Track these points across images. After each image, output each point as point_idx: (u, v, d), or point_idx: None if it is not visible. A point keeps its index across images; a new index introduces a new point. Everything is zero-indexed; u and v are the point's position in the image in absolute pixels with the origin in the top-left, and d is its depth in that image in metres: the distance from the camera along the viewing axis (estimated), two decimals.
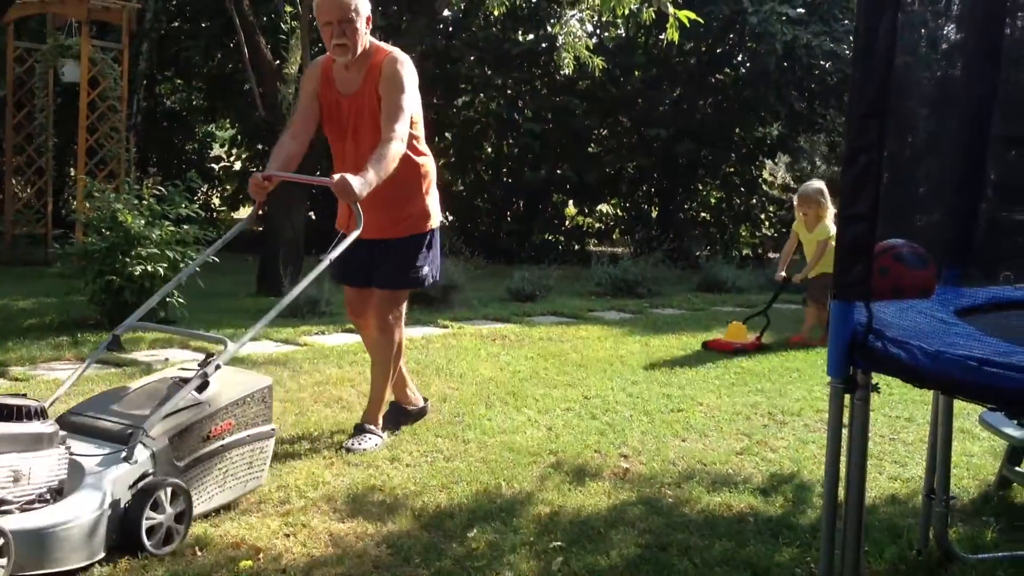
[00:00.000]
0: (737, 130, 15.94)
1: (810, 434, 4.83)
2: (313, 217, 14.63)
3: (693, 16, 6.87)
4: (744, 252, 16.24)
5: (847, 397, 2.49)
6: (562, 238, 16.61)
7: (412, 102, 4.18)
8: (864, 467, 2.50)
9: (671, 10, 6.97)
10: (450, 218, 16.14)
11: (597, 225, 17.51)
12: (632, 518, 3.58)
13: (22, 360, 5.84)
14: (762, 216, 17.09)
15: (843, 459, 2.53)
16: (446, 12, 14.20)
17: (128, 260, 6.88)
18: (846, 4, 14.43)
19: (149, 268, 6.88)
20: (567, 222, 17.16)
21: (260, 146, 15.81)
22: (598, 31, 15.64)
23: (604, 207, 17.59)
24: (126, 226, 6.96)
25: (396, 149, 4.03)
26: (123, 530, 3.00)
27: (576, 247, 16.38)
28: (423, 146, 4.41)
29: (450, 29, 15.59)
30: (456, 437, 4.53)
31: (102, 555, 2.94)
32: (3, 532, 2.63)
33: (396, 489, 3.80)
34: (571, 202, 17.06)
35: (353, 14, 4.10)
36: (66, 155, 14.02)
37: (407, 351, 5.12)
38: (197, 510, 3.31)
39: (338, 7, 4.09)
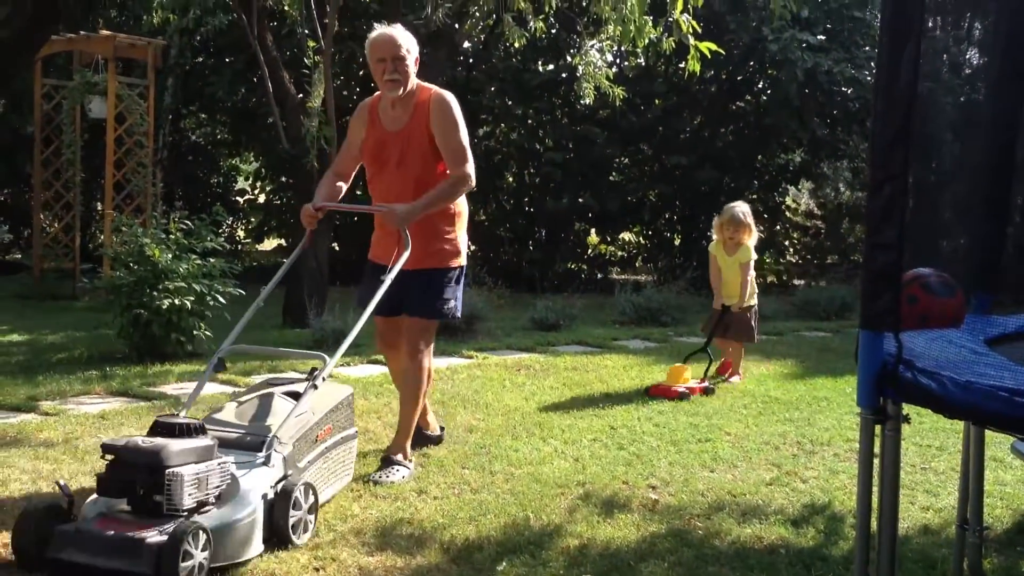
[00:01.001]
0: (759, 157, 15.92)
1: (840, 464, 4.79)
2: (337, 248, 14.73)
3: (714, 47, 6.90)
4: (768, 279, 16.18)
5: (877, 428, 2.48)
6: (585, 267, 16.61)
7: (466, 139, 4.46)
8: (896, 498, 2.48)
9: (692, 41, 6.99)
10: (472, 248, 16.18)
11: (620, 253, 17.50)
12: (662, 551, 3.56)
13: (52, 394, 5.89)
14: (786, 243, 17.02)
15: (875, 489, 2.51)
16: (466, 44, 14.33)
17: (156, 294, 6.93)
18: (866, 31, 14.44)
19: (176, 302, 6.94)
20: (589, 251, 17.16)
21: (284, 179, 15.93)
22: (618, 60, 15.70)
23: (626, 235, 17.58)
24: (153, 260, 7.03)
25: (457, 185, 4.40)
26: (272, 526, 3.46)
27: (599, 276, 16.36)
28: None
29: (471, 61, 15.70)
30: (483, 468, 4.53)
31: (261, 549, 3.40)
32: (206, 529, 3.12)
33: (424, 522, 3.80)
34: (593, 230, 17.07)
35: (405, 52, 4.36)
36: (93, 190, 14.18)
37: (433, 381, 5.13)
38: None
39: (392, 44, 4.36)
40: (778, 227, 16.74)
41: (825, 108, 14.87)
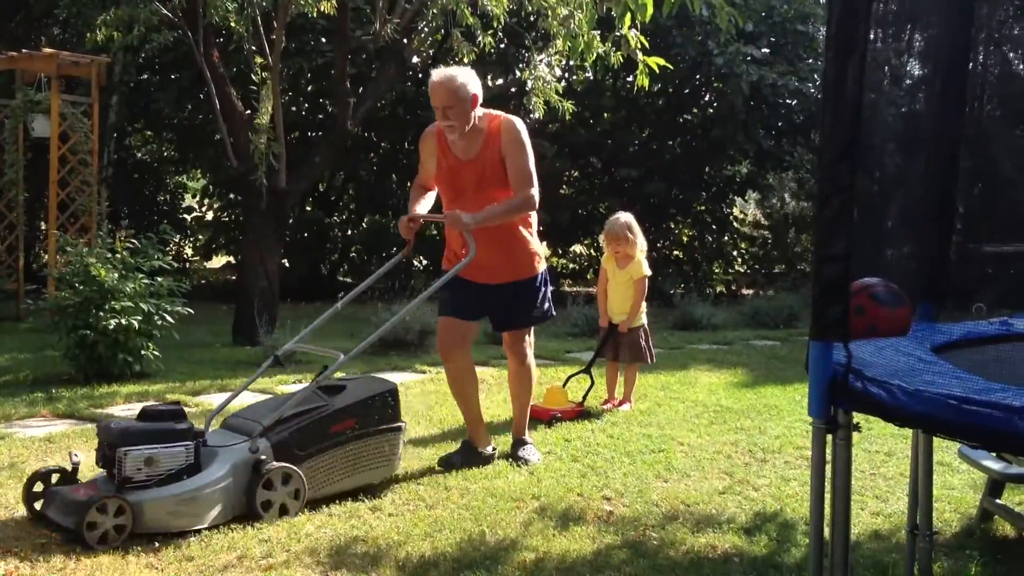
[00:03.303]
0: (707, 169, 16.09)
1: (791, 471, 4.84)
2: (288, 265, 14.61)
3: (662, 62, 6.95)
4: (718, 289, 16.34)
5: (829, 437, 2.50)
6: None
7: (532, 163, 4.70)
8: (848, 506, 2.51)
9: (640, 57, 7.05)
10: (424, 262, 16.16)
11: (571, 266, 17.57)
12: (618, 562, 3.57)
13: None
14: (734, 253, 17.22)
15: (826, 497, 2.53)
16: (415, 59, 14.31)
17: (102, 314, 6.82)
18: (809, 44, 14.68)
19: (123, 322, 6.83)
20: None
21: (232, 195, 15.79)
22: (567, 75, 15.79)
23: (577, 247, 17.66)
24: (99, 280, 6.91)
25: (522, 206, 4.68)
26: (243, 502, 3.92)
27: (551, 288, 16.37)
28: None
29: (420, 76, 15.69)
30: (438, 484, 4.51)
31: (227, 518, 3.86)
32: (125, 502, 3.64)
33: (379, 539, 3.77)
34: (544, 243, 17.12)
35: (456, 101, 4.57)
36: (37, 209, 13.92)
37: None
38: (326, 491, 4.20)
39: (439, 95, 4.58)
40: (726, 237, 16.95)
41: (770, 120, 15.08)
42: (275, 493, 3.99)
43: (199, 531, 3.82)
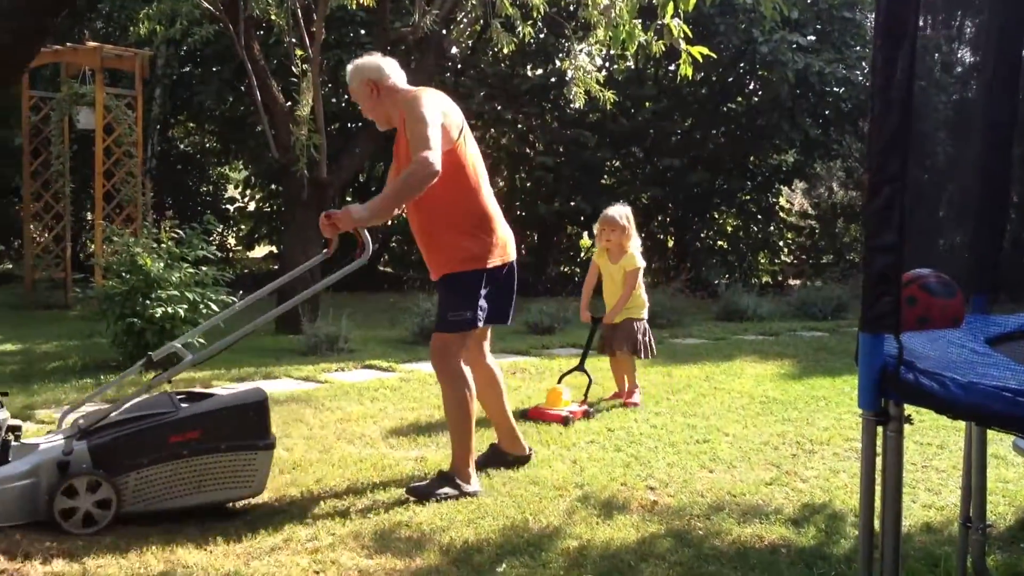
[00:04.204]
0: (751, 158, 15.95)
1: (840, 463, 4.77)
2: (329, 255, 14.68)
3: (706, 51, 6.86)
4: (764, 279, 16.19)
5: (879, 429, 2.46)
6: (578, 269, 16.59)
7: (431, 124, 3.97)
8: (899, 498, 2.46)
9: (683, 46, 6.96)
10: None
11: None
12: (662, 551, 3.53)
13: (48, 403, 5.84)
14: (780, 243, 17.03)
15: (877, 489, 2.49)
16: (454, 50, 14.31)
17: (148, 302, 6.90)
18: (856, 31, 14.48)
19: (169, 310, 6.91)
20: (583, 253, 17.14)
21: (273, 186, 15.90)
22: (607, 64, 15.71)
23: None
24: (145, 269, 6.99)
25: (412, 176, 3.90)
26: (41, 507, 3.58)
27: None
28: (472, 186, 4.23)
29: (459, 66, 15.70)
30: (481, 471, 4.49)
31: (22, 520, 3.56)
32: None
33: (423, 524, 3.77)
34: (585, 233, 17.05)
35: (356, 92, 4.25)
36: (83, 200, 14.14)
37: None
38: (162, 505, 3.76)
39: (350, 89, 4.28)
40: (772, 227, 16.76)
41: (817, 109, 14.92)
42: (79, 501, 3.61)
43: (247, 514, 3.85)
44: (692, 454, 4.92)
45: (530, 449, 4.73)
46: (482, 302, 4.21)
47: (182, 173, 17.17)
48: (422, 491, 4.10)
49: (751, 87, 16.00)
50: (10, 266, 14.33)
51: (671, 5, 5.63)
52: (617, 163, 16.50)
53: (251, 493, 3.95)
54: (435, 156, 3.89)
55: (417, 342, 8.59)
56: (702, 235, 16.61)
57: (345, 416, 5.67)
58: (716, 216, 16.68)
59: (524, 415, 5.63)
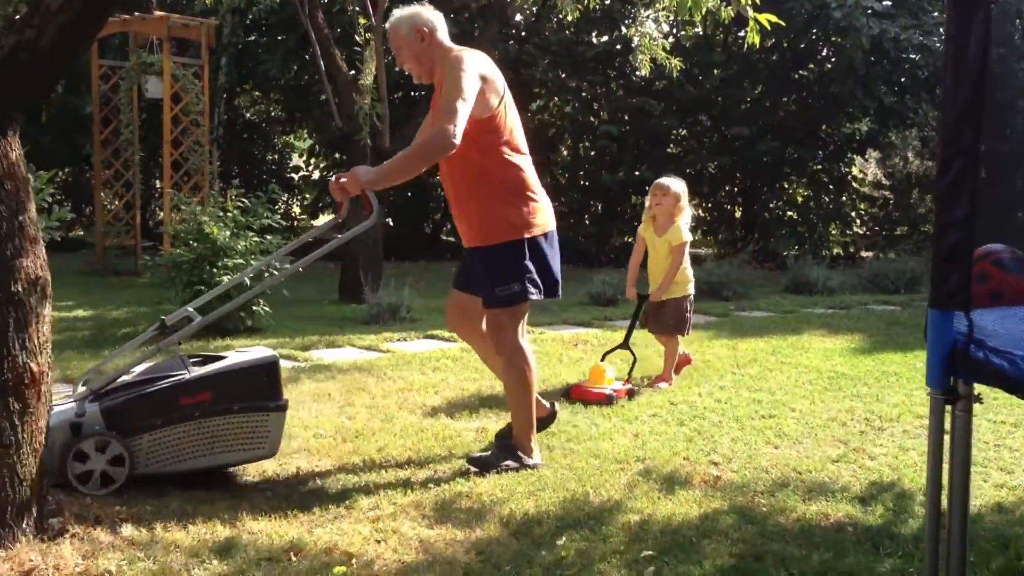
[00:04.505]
0: (823, 126, 15.61)
1: (910, 440, 4.67)
2: (391, 224, 14.76)
3: (774, 19, 6.69)
4: (835, 251, 15.88)
5: (948, 408, 2.39)
6: None
7: (464, 96, 3.85)
8: (968, 478, 2.39)
9: (751, 13, 6.80)
10: None
11: None
12: (725, 527, 3.48)
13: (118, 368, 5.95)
14: (852, 214, 16.65)
15: (945, 468, 2.42)
16: (518, 17, 14.19)
17: (215, 270, 6.99)
18: None
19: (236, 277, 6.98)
20: None
21: (338, 155, 15.99)
22: (674, 30, 15.47)
23: None
24: (212, 237, 7.08)
25: (427, 147, 3.88)
26: (55, 468, 3.52)
27: None
28: (511, 154, 4.11)
29: (523, 34, 15.58)
30: (542, 444, 4.46)
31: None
32: None
33: (483, 495, 3.76)
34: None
35: (399, 41, 4.11)
36: (152, 168, 14.35)
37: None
38: (175, 467, 3.77)
39: (390, 38, 4.17)
40: (844, 198, 16.39)
41: (892, 76, 14.52)
42: (92, 463, 3.62)
43: (309, 482, 3.88)
44: (757, 429, 4.85)
45: (553, 404, 4.64)
46: (532, 274, 4.08)
47: (248, 142, 17.33)
48: (483, 462, 4.09)
49: (824, 54, 15.62)
50: (82, 233, 14.63)
51: None
52: (684, 132, 16.26)
53: (264, 455, 3.97)
54: (457, 131, 3.79)
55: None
56: (771, 205, 16.33)
57: (407, 385, 5.69)
58: (786, 186, 16.37)
59: (566, 394, 5.43)
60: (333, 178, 3.98)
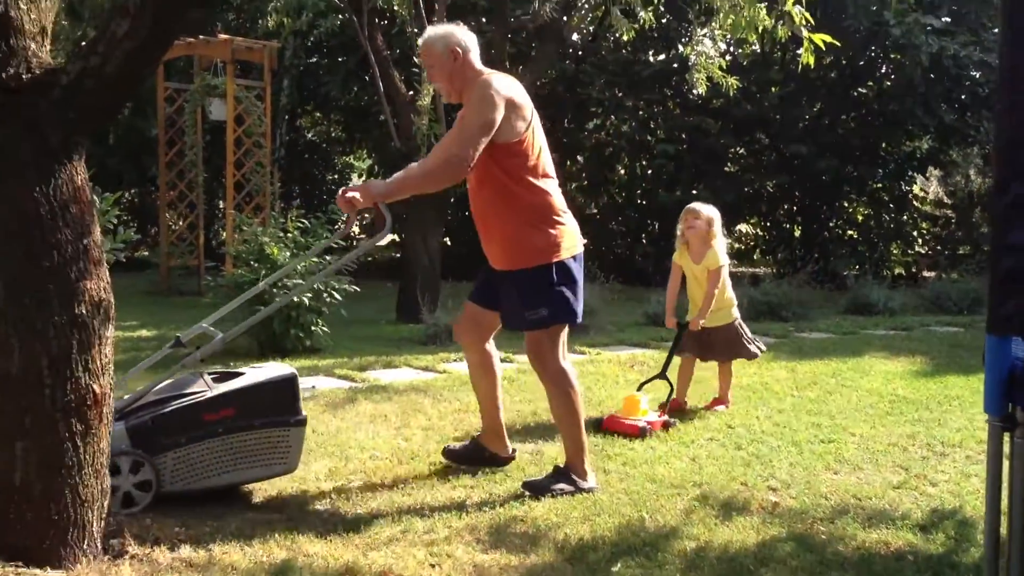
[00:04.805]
0: (883, 144, 15.41)
1: (972, 466, 4.57)
2: (449, 244, 14.84)
3: (828, 39, 6.62)
4: (896, 271, 15.62)
5: (1006, 436, 2.34)
6: None
7: (482, 121, 3.89)
8: None
9: (805, 34, 6.75)
10: (585, 241, 16.10)
11: (736, 246, 17.18)
12: (783, 555, 3.43)
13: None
14: (914, 233, 16.39)
15: (1005, 495, 2.37)
16: (574, 37, 14.23)
17: (275, 290, 7.07)
18: (993, 13, 13.82)
19: (295, 298, 7.07)
20: None
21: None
22: (732, 48, 15.39)
23: (743, 227, 17.24)
24: (272, 258, 7.18)
25: (438, 166, 3.91)
26: None
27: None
28: (539, 179, 4.10)
29: (579, 53, 15.61)
30: (597, 467, 4.45)
31: None
32: None
33: (538, 520, 3.75)
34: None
35: (433, 57, 4.09)
36: (215, 189, 14.62)
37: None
38: (200, 485, 3.80)
39: (423, 52, 4.16)
40: (905, 217, 16.14)
41: (953, 93, 14.30)
42: (119, 480, 3.62)
43: (365, 504, 3.90)
44: (816, 454, 4.78)
45: (513, 450, 4.53)
46: (566, 296, 4.07)
47: (308, 162, 17.58)
48: (538, 486, 4.09)
49: (883, 71, 15.43)
50: (147, 253, 14.92)
51: None
52: (741, 150, 16.15)
53: (285, 470, 4.00)
54: (472, 155, 3.84)
55: None
56: (831, 224, 16.14)
57: (463, 407, 5.70)
58: (846, 205, 16.18)
59: (598, 425, 5.18)
60: (340, 191, 4.00)
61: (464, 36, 4.11)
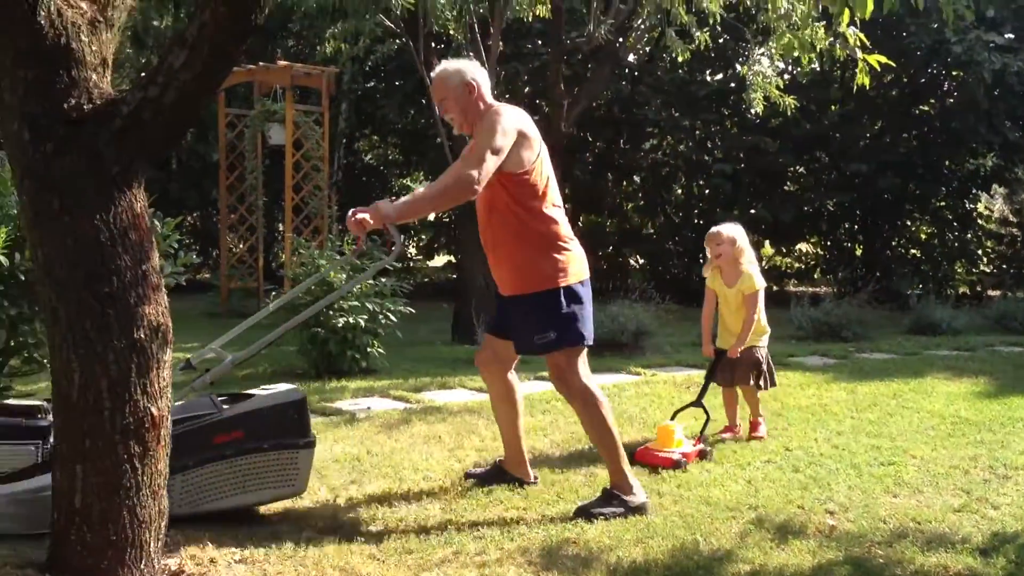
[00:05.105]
0: (946, 162, 15.17)
1: None
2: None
3: (884, 59, 6.53)
4: (960, 290, 15.33)
5: None
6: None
7: (495, 148, 3.97)
8: None
9: (860, 55, 6.67)
10: (641, 261, 16.06)
11: (796, 265, 16.99)
12: None
13: None
14: (979, 252, 16.08)
15: None
16: (630, 58, 14.23)
17: (332, 313, 7.16)
18: None
19: (351, 320, 7.15)
20: (764, 263, 16.73)
21: None
22: (790, 66, 15.27)
23: (803, 246, 17.05)
24: (329, 280, 7.26)
25: (453, 186, 3.97)
26: None
27: (774, 288, 15.94)
28: (547, 207, 4.17)
29: (635, 74, 15.61)
30: (651, 490, 4.42)
31: None
32: None
33: (591, 542, 3.74)
34: (767, 242, 16.63)
35: (447, 92, 4.21)
36: (275, 212, 14.85)
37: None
38: (207, 507, 3.80)
39: (436, 87, 4.30)
40: (969, 235, 15.85)
41: (1017, 110, 14.05)
42: None
43: (418, 525, 3.91)
44: (875, 477, 4.70)
45: (535, 477, 4.58)
46: (574, 320, 4.14)
47: (366, 185, 17.78)
48: (589, 511, 4.08)
49: (944, 88, 15.22)
50: (208, 276, 15.19)
51: (847, 13, 5.37)
52: (801, 169, 16.00)
53: (293, 492, 4.03)
54: (481, 177, 3.92)
55: (591, 353, 8.51)
56: (893, 243, 15.90)
57: None
58: (908, 223, 15.93)
59: (631, 456, 4.67)
60: (350, 212, 4.07)
61: (477, 71, 4.26)
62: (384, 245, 7.51)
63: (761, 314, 5.53)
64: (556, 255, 4.16)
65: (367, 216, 3.99)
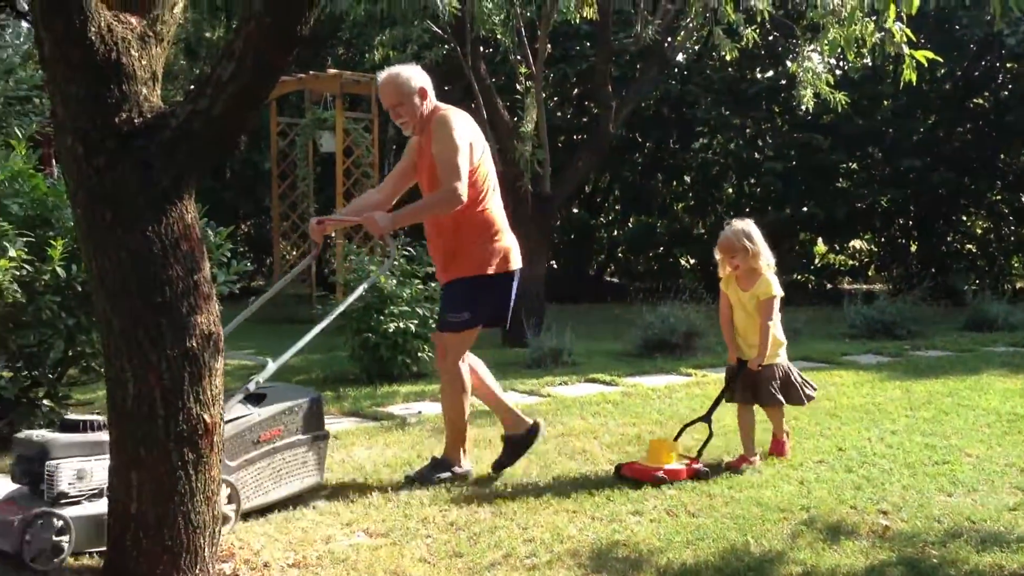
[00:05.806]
0: (1002, 156, 14.89)
1: None
2: (555, 266, 14.88)
3: (931, 55, 6.44)
4: (1017, 285, 15.03)
5: None
6: (812, 277, 16.03)
7: (462, 156, 4.43)
8: None
9: (907, 51, 6.58)
10: (692, 262, 15.98)
11: (850, 262, 16.78)
12: None
13: None
14: None
15: None
16: (679, 57, 14.18)
17: (383, 318, 7.23)
18: None
19: (402, 325, 7.21)
20: (816, 260, 16.54)
21: None
22: (841, 63, 15.09)
23: (857, 243, 16.83)
24: (379, 286, 7.33)
25: (442, 201, 4.45)
26: None
27: (827, 286, 15.75)
28: (486, 201, 4.64)
29: (684, 73, 15.54)
30: (701, 491, 4.42)
31: None
32: (64, 518, 3.39)
33: (640, 544, 3.74)
34: (820, 239, 16.45)
35: (402, 97, 4.56)
36: None
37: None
38: (255, 503, 3.99)
39: (388, 93, 4.61)
40: None
41: None
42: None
43: (467, 529, 3.94)
44: (930, 476, 4.64)
45: (534, 422, 4.90)
46: (492, 304, 4.71)
47: (415, 190, 17.88)
48: (420, 477, 4.57)
49: (999, 81, 14.94)
50: (262, 282, 15.39)
51: (892, 8, 5.30)
52: (853, 165, 15.81)
53: (316, 482, 4.33)
54: (464, 187, 4.40)
55: (642, 355, 8.56)
56: (948, 238, 15.64)
57: (567, 431, 5.71)
58: (964, 218, 15.66)
59: (618, 471, 4.70)
60: (313, 220, 4.65)
61: (425, 76, 4.65)
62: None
63: (777, 327, 5.08)
64: (488, 245, 4.64)
65: (367, 227, 4.54)
